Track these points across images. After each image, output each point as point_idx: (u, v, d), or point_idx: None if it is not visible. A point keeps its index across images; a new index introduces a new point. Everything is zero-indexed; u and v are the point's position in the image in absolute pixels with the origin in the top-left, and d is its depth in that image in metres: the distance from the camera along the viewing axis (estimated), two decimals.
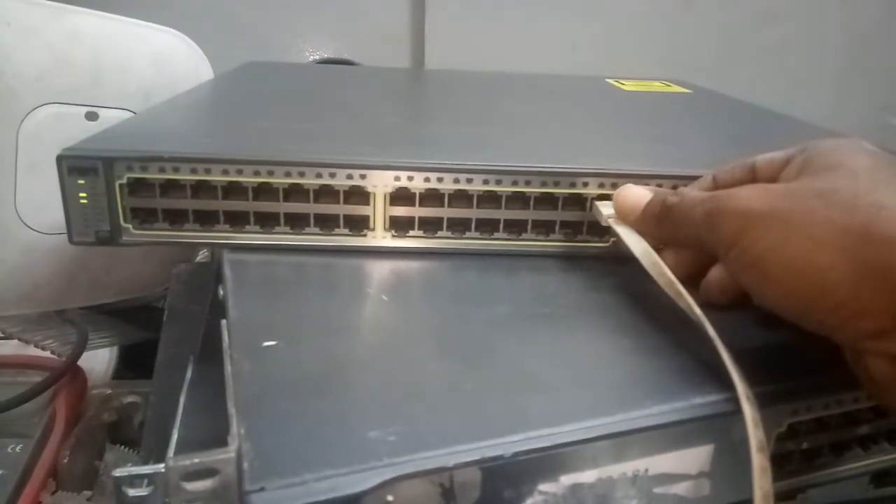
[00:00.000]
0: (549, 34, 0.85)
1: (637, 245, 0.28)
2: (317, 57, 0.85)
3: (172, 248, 0.50)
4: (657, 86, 0.64)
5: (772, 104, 0.55)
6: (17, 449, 0.43)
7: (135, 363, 0.58)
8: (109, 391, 0.51)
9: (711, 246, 0.24)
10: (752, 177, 0.27)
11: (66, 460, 0.44)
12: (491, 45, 0.82)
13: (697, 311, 0.24)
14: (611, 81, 0.64)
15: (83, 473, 0.45)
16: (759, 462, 0.20)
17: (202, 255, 0.55)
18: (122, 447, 0.47)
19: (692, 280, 0.28)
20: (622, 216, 0.30)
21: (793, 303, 0.22)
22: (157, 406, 0.35)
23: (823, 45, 0.90)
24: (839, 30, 0.90)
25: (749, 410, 0.21)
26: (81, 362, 0.50)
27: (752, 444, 0.20)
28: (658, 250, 0.29)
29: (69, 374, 0.48)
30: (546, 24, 0.84)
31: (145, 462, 0.33)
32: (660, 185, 0.31)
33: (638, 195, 0.29)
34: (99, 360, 0.56)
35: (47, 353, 0.51)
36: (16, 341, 0.51)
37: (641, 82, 0.64)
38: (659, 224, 0.28)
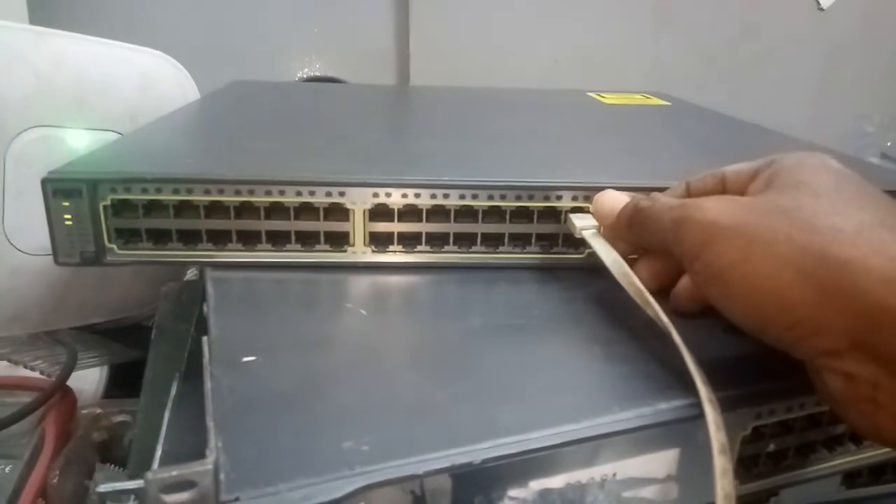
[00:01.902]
0: (531, 49, 0.86)
1: (607, 255, 0.29)
2: (304, 75, 0.87)
3: (162, 267, 0.51)
4: (637, 98, 0.65)
5: (752, 114, 0.56)
6: (7, 470, 0.44)
7: (125, 382, 0.58)
8: (99, 410, 0.51)
9: (677, 255, 0.25)
10: (723, 187, 0.27)
11: (55, 480, 0.44)
12: (475, 61, 0.84)
13: (664, 318, 0.25)
14: (592, 95, 0.66)
15: (73, 493, 0.45)
16: (721, 464, 0.20)
17: (191, 273, 0.56)
18: (113, 466, 0.48)
19: (666, 291, 0.29)
20: (600, 220, 0.31)
21: (753, 318, 0.22)
22: (144, 423, 0.36)
23: (801, 56, 0.92)
24: (816, 42, 0.92)
25: (711, 413, 0.21)
26: (71, 382, 0.50)
27: (714, 447, 0.21)
28: (633, 260, 0.30)
29: (58, 394, 0.49)
30: (528, 39, 0.86)
31: (133, 479, 0.34)
32: None
33: (615, 199, 0.30)
34: (88, 380, 0.56)
35: (36, 374, 0.51)
36: (4, 362, 0.52)
37: (622, 95, 0.66)
38: (630, 227, 0.29)
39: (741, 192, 0.26)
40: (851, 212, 0.21)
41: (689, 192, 0.29)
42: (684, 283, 0.29)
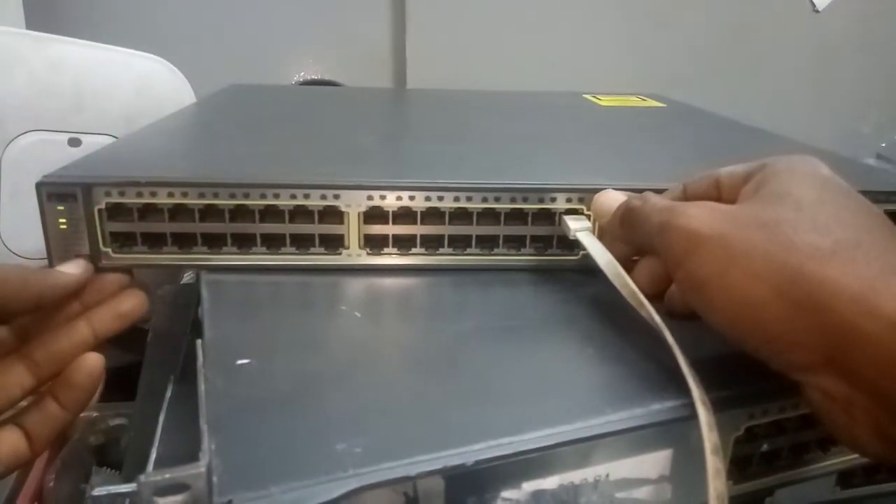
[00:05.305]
0: (527, 50, 0.86)
1: (601, 256, 0.29)
2: (301, 78, 0.87)
3: (159, 271, 0.51)
4: (633, 100, 0.65)
5: (749, 115, 0.56)
6: None
7: (121, 386, 0.58)
8: (96, 414, 0.51)
9: (663, 259, 0.25)
10: (717, 189, 0.27)
11: (51, 484, 0.44)
12: (471, 63, 0.84)
13: (657, 319, 0.25)
14: (588, 97, 0.66)
15: (69, 497, 0.45)
16: (714, 464, 0.20)
17: (188, 277, 0.56)
18: (109, 469, 0.48)
19: (664, 295, 0.29)
20: (598, 218, 0.31)
21: (731, 330, 0.22)
22: (139, 427, 0.36)
23: (797, 58, 0.92)
24: (811, 43, 0.92)
25: (704, 414, 0.21)
26: None
27: (707, 447, 0.21)
28: (632, 262, 0.30)
29: None
30: (524, 41, 0.86)
31: (127, 483, 0.34)
32: None
33: (612, 198, 0.30)
34: None
35: None
36: None
37: (617, 97, 0.66)
38: (621, 225, 0.29)
39: (734, 194, 0.26)
40: (831, 228, 0.21)
41: (686, 194, 0.29)
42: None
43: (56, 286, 0.29)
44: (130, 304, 0.32)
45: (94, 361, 0.29)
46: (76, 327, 0.30)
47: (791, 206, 0.22)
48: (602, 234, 0.31)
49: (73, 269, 0.30)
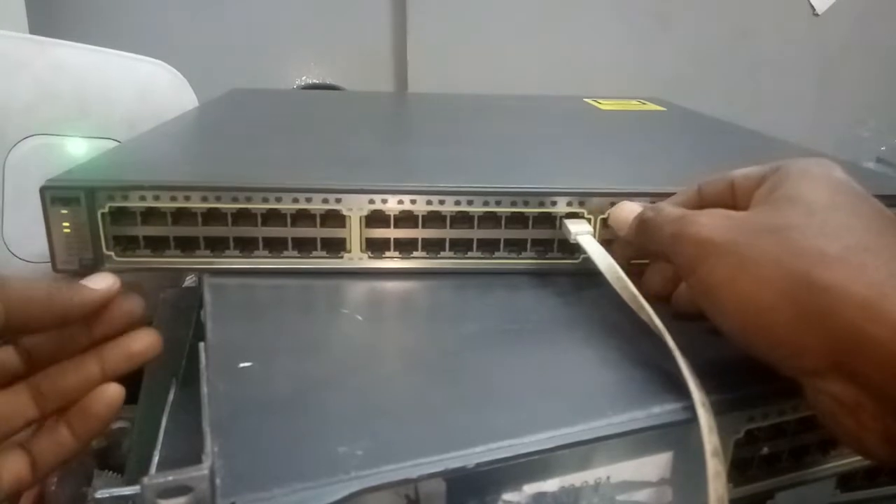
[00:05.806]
0: (528, 55, 0.87)
1: (602, 260, 0.29)
2: (302, 82, 0.87)
3: (161, 274, 0.51)
4: (633, 104, 0.65)
5: (749, 118, 0.56)
6: None
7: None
8: None
9: (676, 266, 0.25)
10: (731, 192, 0.27)
11: (53, 487, 0.44)
12: (472, 67, 0.84)
13: (657, 322, 0.25)
14: (588, 101, 0.66)
15: (71, 500, 0.45)
16: (714, 466, 0.21)
17: (190, 280, 0.56)
18: (111, 473, 0.48)
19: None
20: (617, 230, 0.31)
21: (740, 335, 0.23)
22: (141, 430, 0.36)
23: (797, 62, 0.93)
24: (812, 47, 0.92)
25: (704, 417, 0.21)
26: None
27: (707, 450, 0.21)
28: (645, 264, 0.30)
29: None
30: (526, 44, 0.86)
31: (130, 486, 0.34)
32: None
33: (629, 210, 0.31)
34: None
35: None
36: None
37: (618, 101, 0.66)
38: (637, 236, 0.29)
39: (748, 197, 0.26)
40: (840, 233, 0.21)
41: (700, 195, 0.29)
42: (685, 287, 0.29)
43: (83, 303, 0.27)
44: (143, 344, 0.30)
45: (114, 392, 0.28)
46: (85, 363, 0.28)
47: (802, 210, 0.23)
48: (621, 245, 0.31)
49: (98, 284, 0.28)
